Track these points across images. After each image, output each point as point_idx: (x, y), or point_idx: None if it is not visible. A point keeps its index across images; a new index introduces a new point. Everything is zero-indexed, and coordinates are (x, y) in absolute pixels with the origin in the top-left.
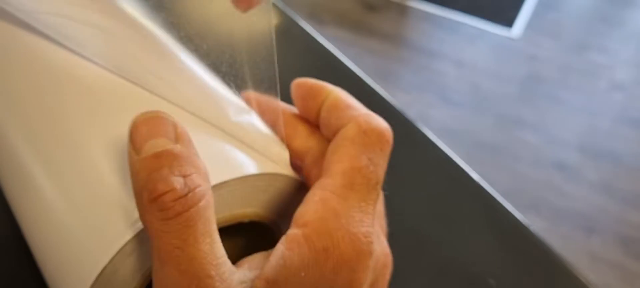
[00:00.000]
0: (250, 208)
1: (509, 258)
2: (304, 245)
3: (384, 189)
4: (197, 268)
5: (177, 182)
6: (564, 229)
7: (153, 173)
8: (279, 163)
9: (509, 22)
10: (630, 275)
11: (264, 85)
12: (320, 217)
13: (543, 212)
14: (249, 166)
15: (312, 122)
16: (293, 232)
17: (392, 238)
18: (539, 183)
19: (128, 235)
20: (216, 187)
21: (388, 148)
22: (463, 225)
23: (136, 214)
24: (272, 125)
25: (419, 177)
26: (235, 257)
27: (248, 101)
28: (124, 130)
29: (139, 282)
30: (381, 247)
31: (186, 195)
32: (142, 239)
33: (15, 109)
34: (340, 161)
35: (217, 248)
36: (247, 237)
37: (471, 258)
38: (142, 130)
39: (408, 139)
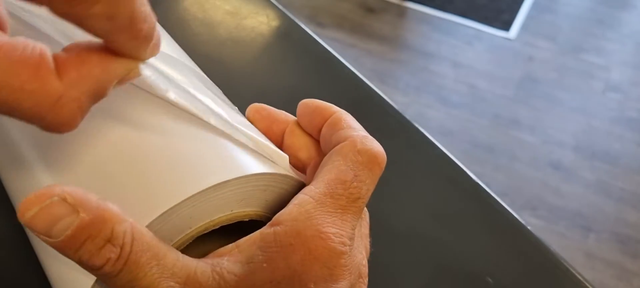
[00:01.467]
0: (250, 207)
1: (506, 257)
2: (272, 241)
3: (382, 188)
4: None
5: (109, 252)
6: (561, 228)
7: (80, 252)
8: (279, 163)
9: (506, 23)
10: (627, 273)
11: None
12: (294, 218)
13: (540, 211)
14: (250, 166)
15: (314, 137)
16: (266, 230)
17: (391, 238)
18: (536, 183)
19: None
20: (218, 186)
21: (378, 172)
22: (460, 224)
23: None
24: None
25: (417, 177)
26: None
27: (255, 110)
28: (128, 129)
29: None
30: (360, 257)
31: (120, 254)
32: None
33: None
34: (329, 172)
35: (166, 261)
36: (233, 238)
37: (469, 257)
38: (42, 217)
39: (406, 140)
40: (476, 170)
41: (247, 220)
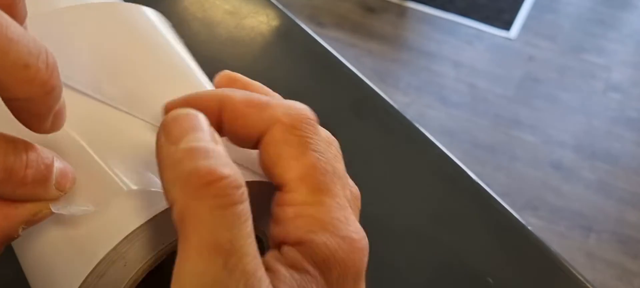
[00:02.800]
0: None
1: (507, 257)
2: (304, 262)
3: (382, 188)
4: (248, 266)
5: (232, 170)
6: (562, 228)
7: (202, 161)
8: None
9: (506, 23)
10: (628, 273)
11: None
12: (309, 230)
13: (541, 211)
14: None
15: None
16: (290, 251)
17: (391, 238)
18: (536, 183)
19: (106, 249)
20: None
21: (317, 126)
22: (461, 224)
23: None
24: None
25: (418, 177)
26: None
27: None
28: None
29: None
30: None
31: (240, 187)
32: (112, 260)
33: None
34: (290, 169)
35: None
36: None
37: (469, 257)
38: (181, 123)
39: (407, 139)
40: (477, 170)
41: None
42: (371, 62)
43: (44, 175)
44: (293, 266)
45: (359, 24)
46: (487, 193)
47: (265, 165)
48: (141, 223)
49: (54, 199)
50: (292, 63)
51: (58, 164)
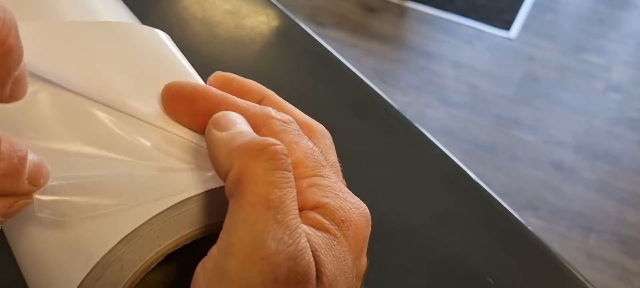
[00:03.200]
0: (220, 218)
1: (507, 257)
2: (325, 221)
3: (382, 188)
4: (291, 221)
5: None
6: (562, 228)
7: (253, 135)
8: None
9: (506, 23)
10: (628, 274)
11: None
12: (324, 196)
13: (541, 211)
14: (214, 180)
15: (201, 129)
16: (310, 213)
17: (390, 238)
18: (536, 183)
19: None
20: (184, 202)
21: (285, 120)
22: (461, 224)
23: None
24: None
25: (418, 176)
26: None
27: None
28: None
29: None
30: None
31: (288, 156)
32: (108, 263)
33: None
34: (292, 151)
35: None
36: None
37: (469, 257)
38: (227, 116)
39: (407, 139)
40: (477, 170)
41: (217, 231)
42: (371, 62)
43: (17, 168)
44: (315, 226)
45: (359, 24)
46: (487, 193)
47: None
48: (138, 225)
49: (26, 193)
50: (292, 63)
51: (32, 157)
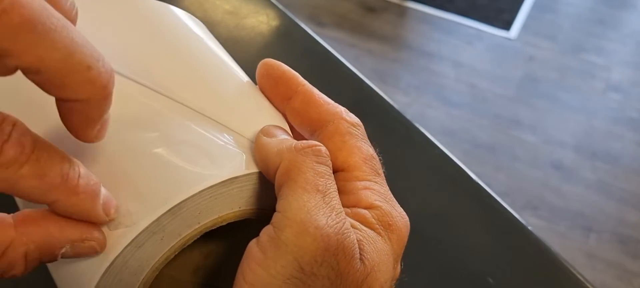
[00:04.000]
0: (257, 205)
1: (507, 257)
2: (374, 221)
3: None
4: (336, 205)
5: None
6: (562, 228)
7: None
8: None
9: (506, 23)
10: (628, 274)
11: None
12: (377, 199)
13: (541, 211)
14: (251, 165)
15: (278, 105)
16: (360, 211)
17: None
18: (536, 183)
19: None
20: (227, 183)
21: (354, 123)
22: (461, 224)
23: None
24: None
25: (418, 176)
26: (227, 256)
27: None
28: (137, 131)
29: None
30: None
31: (329, 156)
32: (152, 232)
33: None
34: (355, 154)
35: None
36: (253, 230)
37: (470, 257)
38: (274, 127)
39: (407, 139)
40: (477, 170)
41: (254, 217)
42: (371, 62)
43: (94, 190)
44: (364, 222)
45: (359, 24)
46: (487, 193)
47: (329, 149)
48: (186, 197)
49: (101, 221)
50: (292, 63)
51: (103, 191)
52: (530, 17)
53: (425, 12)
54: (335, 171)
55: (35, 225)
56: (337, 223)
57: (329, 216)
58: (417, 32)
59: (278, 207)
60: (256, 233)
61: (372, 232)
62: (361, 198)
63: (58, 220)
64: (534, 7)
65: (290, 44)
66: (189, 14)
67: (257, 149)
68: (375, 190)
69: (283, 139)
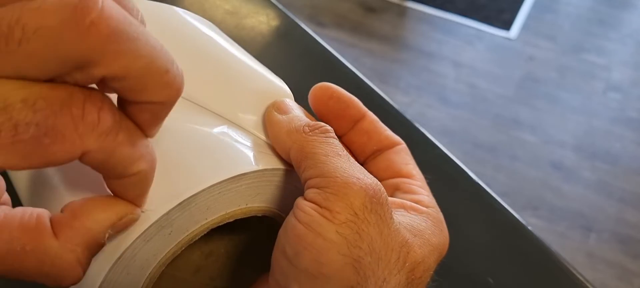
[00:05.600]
0: (264, 203)
1: (507, 257)
2: (423, 208)
3: None
4: (361, 167)
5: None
6: (562, 228)
7: (307, 119)
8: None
9: (506, 23)
10: (628, 273)
11: None
12: (432, 203)
13: (541, 211)
14: (265, 160)
15: (341, 125)
16: (423, 210)
17: None
18: (536, 183)
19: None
20: (235, 179)
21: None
22: (461, 224)
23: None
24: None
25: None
26: (245, 251)
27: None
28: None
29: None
30: None
31: (332, 131)
32: (161, 226)
33: None
34: (415, 169)
35: None
36: (254, 231)
37: (470, 257)
38: (286, 103)
39: (407, 139)
40: (477, 170)
41: (261, 215)
42: (371, 62)
43: (152, 166)
44: (424, 214)
45: (359, 24)
46: (487, 193)
47: (397, 161)
48: (194, 192)
49: (140, 204)
50: (292, 63)
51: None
52: (530, 17)
53: (425, 12)
54: (401, 177)
55: (70, 227)
56: (369, 177)
57: (362, 171)
58: (417, 32)
59: (307, 175)
60: (257, 235)
61: (431, 222)
62: (422, 199)
63: (88, 213)
64: (534, 7)
65: (290, 44)
66: (195, 15)
67: (269, 125)
68: (424, 193)
69: (293, 116)
